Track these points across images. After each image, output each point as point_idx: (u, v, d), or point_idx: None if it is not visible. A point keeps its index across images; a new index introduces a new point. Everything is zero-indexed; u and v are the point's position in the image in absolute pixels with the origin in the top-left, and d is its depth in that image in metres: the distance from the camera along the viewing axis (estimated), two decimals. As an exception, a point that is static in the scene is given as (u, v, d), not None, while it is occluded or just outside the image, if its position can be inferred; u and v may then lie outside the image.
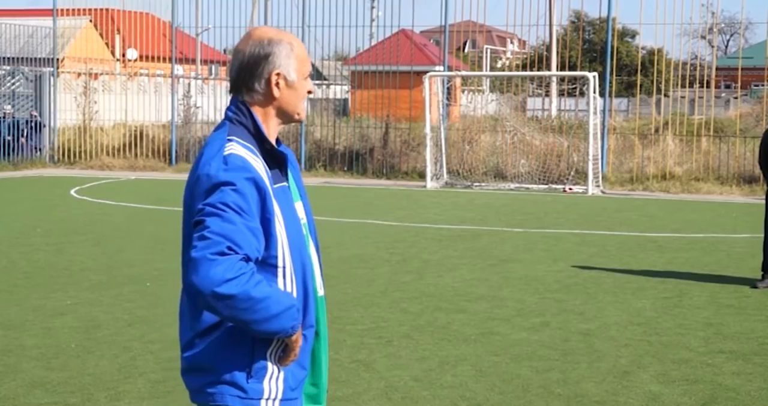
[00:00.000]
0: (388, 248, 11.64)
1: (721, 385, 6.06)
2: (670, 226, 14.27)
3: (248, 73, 2.73)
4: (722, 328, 7.64)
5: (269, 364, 2.66)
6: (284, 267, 2.66)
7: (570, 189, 19.99)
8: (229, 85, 2.82)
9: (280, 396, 2.69)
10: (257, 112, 2.75)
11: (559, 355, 6.72)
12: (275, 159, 2.74)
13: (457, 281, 9.51)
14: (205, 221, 2.52)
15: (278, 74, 2.73)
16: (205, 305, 2.51)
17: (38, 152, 24.58)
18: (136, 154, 24.60)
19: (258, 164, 2.63)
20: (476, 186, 20.74)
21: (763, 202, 9.74)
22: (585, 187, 19.70)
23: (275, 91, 2.74)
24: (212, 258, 2.46)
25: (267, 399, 2.67)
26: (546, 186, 20.42)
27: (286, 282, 2.67)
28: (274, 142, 2.79)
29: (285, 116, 2.79)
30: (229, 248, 2.48)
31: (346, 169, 23.00)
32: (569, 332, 7.41)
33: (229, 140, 2.66)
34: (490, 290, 9.07)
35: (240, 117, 2.74)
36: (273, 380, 2.67)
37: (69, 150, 24.77)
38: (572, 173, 20.69)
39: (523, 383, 6.03)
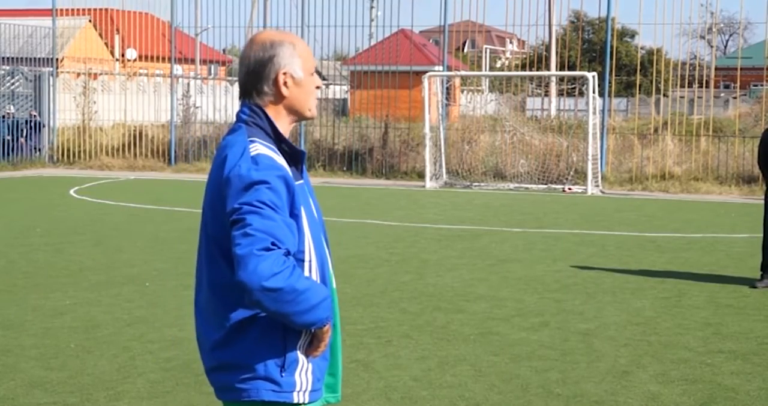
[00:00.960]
0: (388, 247, 11.64)
1: (720, 385, 6.06)
2: (670, 226, 14.27)
3: (256, 76, 2.81)
4: (721, 328, 7.65)
5: (300, 356, 2.76)
6: (310, 261, 2.78)
7: (569, 189, 20.00)
8: (238, 90, 2.90)
9: (309, 388, 2.79)
10: (270, 112, 2.82)
11: (559, 355, 6.73)
12: (293, 158, 2.82)
13: (456, 281, 9.51)
14: (246, 219, 2.61)
15: (285, 73, 2.80)
16: (253, 300, 2.60)
17: (38, 152, 24.58)
18: (135, 154, 24.60)
19: (284, 163, 2.74)
20: (475, 186, 20.74)
21: (762, 202, 9.74)
22: (584, 187, 19.71)
23: (284, 90, 2.81)
24: (259, 254, 2.56)
25: (299, 391, 2.77)
26: (545, 186, 20.42)
27: (311, 276, 2.78)
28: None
29: (296, 114, 2.87)
30: (273, 244, 2.58)
31: (345, 169, 23.00)
32: (568, 332, 7.41)
33: (252, 141, 2.74)
34: (489, 290, 9.07)
35: (255, 119, 2.81)
36: (303, 372, 2.77)
37: (68, 150, 24.77)
38: (571, 173, 20.69)
39: (523, 383, 6.03)
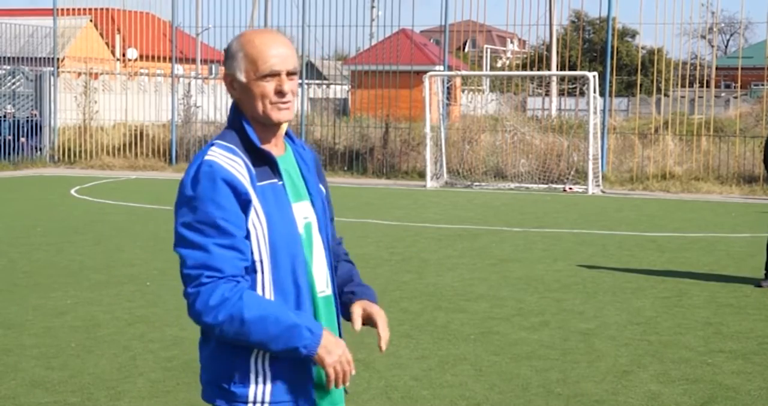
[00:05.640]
0: (388, 247, 11.64)
1: (720, 384, 6.06)
2: (670, 225, 14.27)
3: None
4: (722, 327, 7.65)
5: (256, 367, 2.64)
6: (261, 261, 2.64)
7: (570, 189, 20.00)
8: None
9: (268, 399, 2.66)
10: (242, 111, 2.74)
11: (559, 354, 6.73)
12: (263, 159, 2.70)
13: (456, 281, 9.51)
14: (180, 254, 2.61)
15: (227, 75, 2.71)
16: (213, 335, 2.59)
17: (38, 152, 24.59)
18: (136, 154, 24.61)
19: (235, 163, 2.62)
20: (476, 186, 20.74)
21: (764, 202, 9.72)
22: (585, 187, 19.71)
23: (231, 92, 2.72)
24: (193, 291, 2.54)
25: (254, 402, 2.65)
26: (546, 186, 20.42)
27: (264, 278, 2.65)
28: (270, 141, 2.75)
29: (255, 118, 2.72)
30: (208, 276, 2.53)
31: (346, 168, 23.01)
32: (569, 332, 7.41)
33: (213, 144, 2.68)
34: (489, 290, 9.07)
35: (231, 119, 2.75)
36: (260, 385, 2.65)
37: (69, 150, 24.78)
38: (572, 173, 20.70)
39: (523, 383, 6.04)
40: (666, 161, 21.07)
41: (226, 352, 2.64)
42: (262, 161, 2.70)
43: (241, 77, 2.68)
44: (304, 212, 2.78)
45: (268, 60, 2.67)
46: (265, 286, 2.66)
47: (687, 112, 23.79)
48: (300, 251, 2.72)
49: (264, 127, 2.73)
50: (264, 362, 2.65)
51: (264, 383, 2.65)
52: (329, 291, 2.84)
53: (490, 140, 22.63)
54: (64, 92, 25.53)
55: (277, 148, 2.78)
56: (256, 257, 2.63)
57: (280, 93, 2.69)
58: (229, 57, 2.70)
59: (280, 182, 2.73)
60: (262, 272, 2.65)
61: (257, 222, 2.63)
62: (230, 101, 2.80)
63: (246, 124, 2.71)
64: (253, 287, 2.66)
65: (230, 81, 2.71)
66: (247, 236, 2.62)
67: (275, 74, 2.68)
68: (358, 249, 11.41)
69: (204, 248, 2.56)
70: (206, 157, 2.62)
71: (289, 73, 2.70)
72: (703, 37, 50.69)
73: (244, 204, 2.60)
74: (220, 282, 2.52)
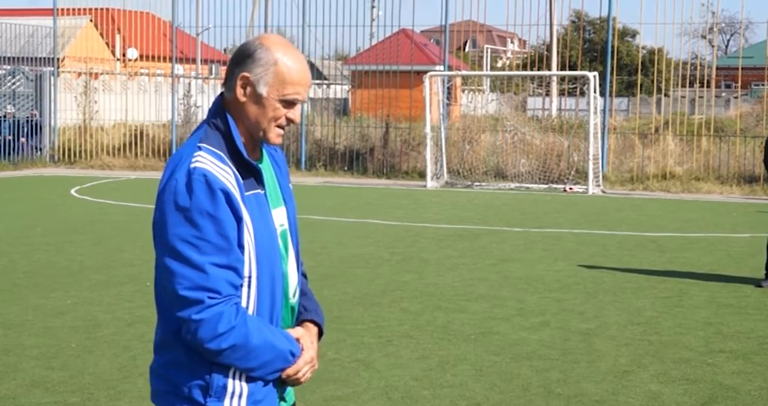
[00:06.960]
0: (388, 247, 11.64)
1: (721, 384, 6.06)
2: (670, 225, 14.27)
3: (231, 68, 2.62)
4: (722, 327, 7.64)
5: (230, 382, 2.57)
6: (250, 277, 2.56)
7: (570, 189, 19.99)
8: None
9: None
10: (233, 113, 2.62)
11: (559, 354, 6.73)
12: (249, 169, 2.61)
13: (456, 281, 9.51)
14: (173, 270, 2.46)
15: (245, 77, 2.57)
16: (209, 357, 2.51)
17: (38, 152, 24.59)
18: (136, 154, 24.61)
19: (226, 174, 2.51)
20: (476, 186, 20.74)
21: (764, 202, 9.72)
22: (585, 187, 19.70)
23: (239, 94, 2.59)
24: (197, 318, 2.44)
25: None
26: (546, 186, 20.42)
27: (251, 292, 2.58)
28: (252, 148, 2.66)
29: (249, 128, 2.62)
30: (210, 298, 2.44)
31: (346, 168, 23.00)
32: (569, 332, 7.41)
33: (199, 148, 2.55)
34: (489, 290, 9.07)
35: (216, 120, 2.62)
36: (235, 398, 2.58)
37: (69, 150, 24.78)
38: (572, 173, 20.69)
39: (523, 383, 6.03)
40: (666, 161, 21.06)
41: (202, 365, 2.55)
42: (248, 171, 2.61)
43: (263, 90, 2.58)
44: (280, 219, 2.71)
45: (296, 87, 2.60)
46: (250, 300, 2.59)
47: (687, 112, 23.79)
48: (279, 261, 2.66)
49: (251, 138, 2.65)
50: (241, 377, 2.58)
51: (240, 396, 2.58)
52: (295, 300, 2.79)
53: (490, 140, 22.63)
54: (64, 92, 25.53)
55: (254, 153, 2.70)
56: (246, 273, 2.55)
57: (290, 121, 2.64)
58: (254, 61, 2.57)
59: (263, 191, 2.65)
60: (249, 287, 2.57)
61: (248, 237, 2.54)
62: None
63: (235, 132, 2.60)
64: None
65: (245, 84, 2.58)
66: (242, 251, 2.53)
67: (295, 103, 2.63)
68: (358, 249, 11.41)
69: (201, 268, 2.45)
70: (197, 165, 2.49)
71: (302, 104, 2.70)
72: (704, 37, 50.71)
73: (238, 219, 2.51)
74: (222, 307, 2.46)
